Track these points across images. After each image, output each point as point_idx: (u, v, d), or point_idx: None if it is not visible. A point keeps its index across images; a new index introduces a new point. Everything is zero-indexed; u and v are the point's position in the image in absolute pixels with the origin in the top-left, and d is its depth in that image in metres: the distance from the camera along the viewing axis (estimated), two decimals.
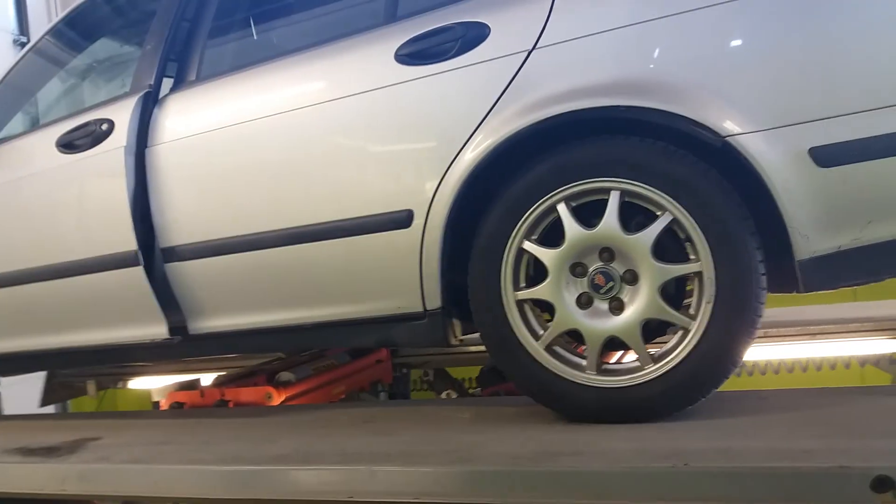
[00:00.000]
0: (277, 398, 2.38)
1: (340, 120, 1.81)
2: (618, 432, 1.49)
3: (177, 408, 2.47)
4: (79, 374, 4.10)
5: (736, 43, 1.50)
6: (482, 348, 3.16)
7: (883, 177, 1.41)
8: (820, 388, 2.12)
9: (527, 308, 1.63)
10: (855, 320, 2.59)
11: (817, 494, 1.15)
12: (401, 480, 1.42)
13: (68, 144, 2.12)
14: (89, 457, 1.86)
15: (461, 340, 1.85)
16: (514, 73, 1.61)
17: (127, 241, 1.99)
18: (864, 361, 2.71)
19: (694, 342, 1.48)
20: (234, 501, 1.59)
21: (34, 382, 4.54)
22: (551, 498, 1.31)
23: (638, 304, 1.53)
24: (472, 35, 1.67)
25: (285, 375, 2.54)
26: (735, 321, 1.46)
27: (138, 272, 1.99)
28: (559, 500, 1.31)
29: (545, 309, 1.65)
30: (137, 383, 3.72)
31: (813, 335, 2.53)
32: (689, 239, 1.49)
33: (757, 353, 2.63)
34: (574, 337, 1.63)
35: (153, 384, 3.53)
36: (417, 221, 1.70)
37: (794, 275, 1.48)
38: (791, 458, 1.22)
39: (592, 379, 1.56)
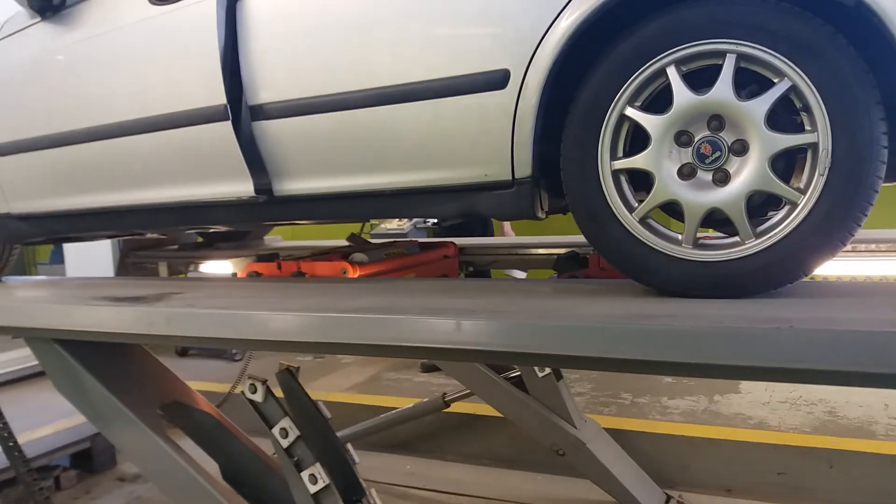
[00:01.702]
0: (352, 274, 2.41)
1: None
2: (713, 303, 1.45)
3: (254, 277, 2.52)
4: (150, 256, 4.24)
5: None
6: (550, 251, 3.19)
7: None
8: None
9: (622, 179, 1.58)
10: None
11: None
12: (488, 332, 1.41)
13: None
14: (175, 304, 1.91)
15: (547, 214, 1.81)
16: None
17: (216, 95, 1.99)
18: None
19: (801, 217, 1.41)
20: (317, 346, 1.61)
21: (104, 268, 4.73)
22: (644, 355, 1.29)
23: (745, 175, 1.46)
24: None
25: (359, 256, 2.56)
26: (849, 195, 1.38)
27: (226, 128, 1.99)
28: (652, 357, 1.29)
29: (639, 184, 1.60)
30: (209, 267, 3.82)
31: None
32: (805, 108, 1.41)
33: (843, 267, 2.54)
34: (669, 211, 1.59)
35: (225, 269, 3.62)
36: (513, 82, 1.64)
37: None
38: None
39: (689, 252, 1.51)
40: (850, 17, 1.37)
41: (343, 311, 1.60)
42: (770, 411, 3.68)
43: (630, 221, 1.56)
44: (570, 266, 2.54)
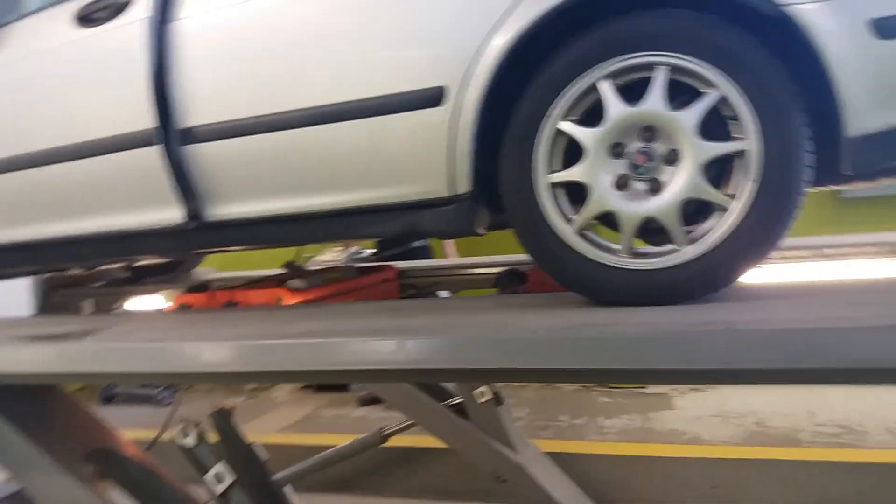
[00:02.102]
0: (289, 301, 2.34)
1: None
2: (651, 310, 1.46)
3: (184, 309, 2.43)
4: (74, 293, 4.04)
5: None
6: (490, 270, 3.18)
7: None
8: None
9: (559, 192, 1.59)
10: (866, 244, 2.60)
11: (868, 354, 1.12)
12: (430, 350, 1.38)
13: (86, 18, 2.03)
14: (101, 339, 1.81)
15: (486, 230, 1.81)
16: None
17: (144, 119, 1.92)
18: None
19: (735, 222, 1.45)
20: (254, 375, 1.55)
21: (21, 310, 4.48)
22: (589, 363, 1.28)
23: (678, 183, 1.48)
24: None
25: (295, 283, 2.50)
26: (779, 200, 1.42)
27: (155, 152, 1.92)
28: (597, 366, 1.28)
29: (575, 197, 1.61)
30: (136, 303, 3.67)
31: (828, 257, 2.52)
32: (735, 117, 1.45)
33: (774, 274, 2.61)
34: (605, 221, 1.60)
35: (155, 304, 3.48)
36: (450, 99, 1.64)
37: (835, 161, 1.44)
38: (843, 322, 1.19)
39: (625, 262, 1.53)
40: (770, 29, 1.42)
41: (280, 336, 1.54)
42: (702, 426, 3.76)
43: (567, 233, 1.57)
44: (510, 282, 2.54)
